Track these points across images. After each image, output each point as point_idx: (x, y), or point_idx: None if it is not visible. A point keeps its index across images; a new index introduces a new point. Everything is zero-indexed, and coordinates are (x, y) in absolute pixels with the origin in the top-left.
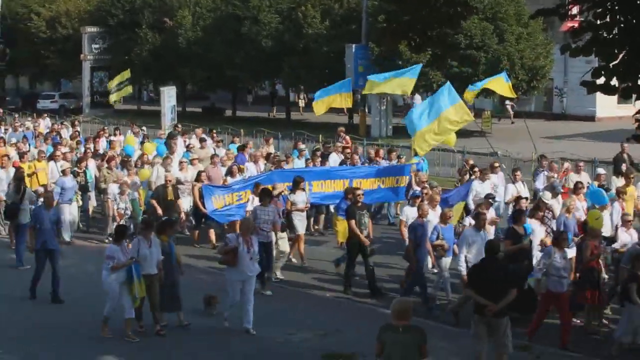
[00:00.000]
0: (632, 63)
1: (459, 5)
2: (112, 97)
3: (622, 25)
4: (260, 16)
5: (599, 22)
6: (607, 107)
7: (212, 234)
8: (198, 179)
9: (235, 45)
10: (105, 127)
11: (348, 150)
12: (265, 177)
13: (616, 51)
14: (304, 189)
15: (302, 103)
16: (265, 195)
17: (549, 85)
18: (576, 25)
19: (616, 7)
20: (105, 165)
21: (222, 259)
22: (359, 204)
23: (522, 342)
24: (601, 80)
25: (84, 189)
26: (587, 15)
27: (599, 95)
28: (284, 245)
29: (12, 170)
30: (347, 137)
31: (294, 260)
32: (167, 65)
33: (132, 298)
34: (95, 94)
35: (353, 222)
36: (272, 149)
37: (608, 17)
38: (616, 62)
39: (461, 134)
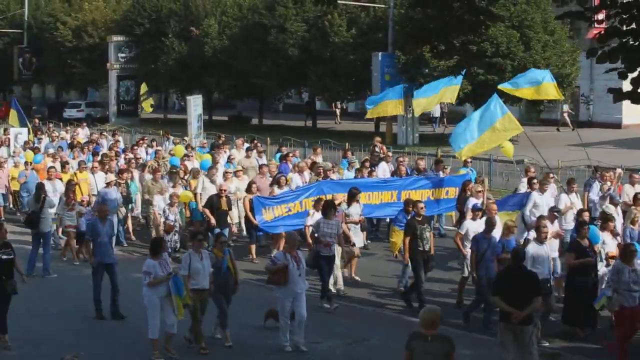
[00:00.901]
0: None
1: (482, 13)
2: (146, 110)
3: None
4: (287, 25)
5: (625, 28)
6: (633, 114)
7: (253, 249)
8: (249, 190)
9: (261, 54)
10: (145, 137)
11: (401, 159)
12: (314, 189)
13: None
14: (358, 201)
15: (338, 112)
16: (330, 208)
17: (575, 92)
18: (602, 31)
19: None
20: (148, 176)
21: (271, 279)
22: (421, 218)
23: (551, 351)
24: (629, 87)
25: (126, 200)
26: (613, 21)
27: (625, 102)
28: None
29: (58, 182)
30: (384, 147)
31: (357, 278)
32: (194, 74)
33: (175, 310)
34: (122, 102)
35: (408, 239)
36: (319, 159)
37: (634, 23)
38: None
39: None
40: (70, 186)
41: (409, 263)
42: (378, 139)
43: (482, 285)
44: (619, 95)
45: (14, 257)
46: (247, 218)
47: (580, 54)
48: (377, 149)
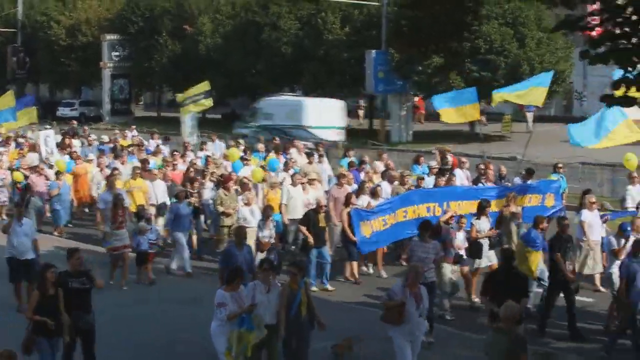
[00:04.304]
0: None
1: (469, 12)
2: (188, 109)
3: None
4: (280, 23)
5: (618, 31)
6: (627, 110)
7: (355, 266)
8: (348, 202)
9: (255, 52)
10: (186, 141)
11: (482, 166)
12: (403, 199)
13: (635, 59)
14: (488, 215)
15: (361, 113)
16: (424, 229)
17: (569, 88)
18: (595, 33)
19: (635, 17)
20: (208, 184)
21: (385, 316)
22: (566, 234)
23: (547, 350)
24: (620, 91)
25: (195, 213)
26: (606, 25)
27: None
28: (457, 278)
29: (160, 184)
30: (455, 158)
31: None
32: (187, 73)
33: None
34: (115, 101)
35: (559, 255)
36: (384, 166)
37: (627, 27)
38: (635, 71)
39: (483, 138)
40: (118, 200)
41: (541, 282)
42: (448, 148)
43: (633, 314)
44: (611, 101)
45: (90, 287)
46: (345, 234)
47: (574, 50)
48: (448, 157)
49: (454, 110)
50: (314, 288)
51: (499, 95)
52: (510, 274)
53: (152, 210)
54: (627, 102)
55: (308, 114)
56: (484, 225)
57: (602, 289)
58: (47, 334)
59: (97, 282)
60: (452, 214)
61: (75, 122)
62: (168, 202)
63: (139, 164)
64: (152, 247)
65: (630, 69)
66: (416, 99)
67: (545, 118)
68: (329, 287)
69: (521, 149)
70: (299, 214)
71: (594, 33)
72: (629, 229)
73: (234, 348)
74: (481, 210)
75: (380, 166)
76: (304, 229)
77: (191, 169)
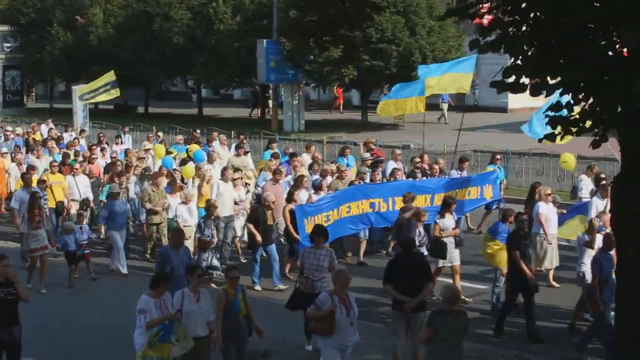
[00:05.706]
0: (540, 59)
1: (366, 5)
2: (99, 98)
3: (530, 21)
4: (171, 13)
5: (507, 19)
6: (518, 98)
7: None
8: (290, 199)
9: (146, 43)
10: (101, 133)
11: (417, 160)
12: (347, 194)
13: (525, 47)
14: (452, 212)
15: (271, 103)
16: (318, 235)
17: None
18: (485, 21)
19: (524, 4)
20: (131, 178)
21: (314, 326)
22: (523, 232)
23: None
24: (511, 79)
25: None
26: (496, 12)
27: None
28: None
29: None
30: (379, 150)
31: (468, 300)
32: (79, 63)
33: None
34: (7, 93)
35: (518, 253)
36: (311, 158)
37: (516, 14)
38: (525, 59)
39: (375, 127)
40: (35, 199)
41: (509, 278)
42: (372, 140)
43: (606, 313)
44: (501, 87)
45: (16, 298)
46: (288, 231)
47: (466, 39)
48: (371, 153)
49: (395, 102)
50: (257, 287)
51: (429, 89)
52: (412, 261)
53: (74, 206)
54: (517, 88)
55: None
56: (448, 223)
57: (555, 284)
58: None
59: (22, 294)
60: (415, 210)
61: None
62: (91, 198)
63: (51, 159)
64: (84, 248)
65: (520, 56)
66: (335, 88)
67: (437, 106)
68: (281, 287)
69: (413, 137)
70: (228, 210)
71: (484, 21)
72: (600, 224)
73: (142, 351)
74: (446, 208)
75: (307, 159)
76: (251, 226)
77: (118, 163)
